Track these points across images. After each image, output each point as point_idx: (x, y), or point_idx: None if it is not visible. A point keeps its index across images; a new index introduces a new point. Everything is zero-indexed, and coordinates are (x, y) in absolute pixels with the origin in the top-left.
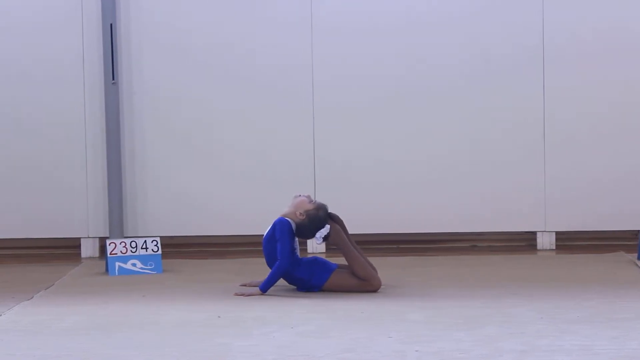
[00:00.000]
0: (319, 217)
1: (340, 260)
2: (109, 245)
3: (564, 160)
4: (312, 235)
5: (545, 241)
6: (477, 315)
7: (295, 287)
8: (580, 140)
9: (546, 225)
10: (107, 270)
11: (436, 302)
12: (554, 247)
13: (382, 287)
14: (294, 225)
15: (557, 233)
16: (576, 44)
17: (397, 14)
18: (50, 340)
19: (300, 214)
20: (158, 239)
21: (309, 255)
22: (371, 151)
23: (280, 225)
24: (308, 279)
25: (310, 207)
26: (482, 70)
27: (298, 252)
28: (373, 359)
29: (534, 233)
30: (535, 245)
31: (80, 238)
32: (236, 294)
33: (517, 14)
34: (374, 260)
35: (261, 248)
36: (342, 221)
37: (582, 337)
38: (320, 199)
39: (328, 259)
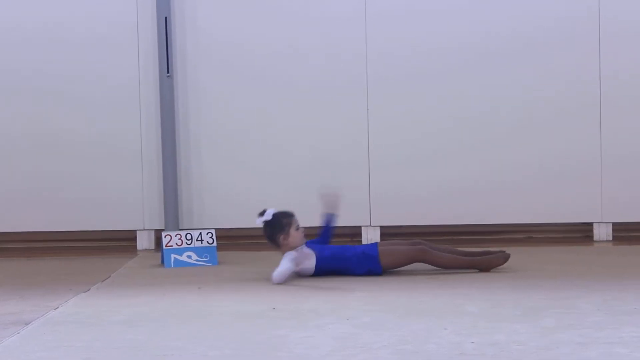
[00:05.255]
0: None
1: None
2: (165, 237)
3: (620, 149)
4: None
5: (602, 232)
6: (534, 306)
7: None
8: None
9: (603, 217)
10: (162, 262)
11: (493, 293)
12: (611, 239)
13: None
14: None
15: (614, 224)
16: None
17: None
18: (107, 332)
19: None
20: (213, 231)
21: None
22: (425, 141)
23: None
24: (357, 266)
25: (295, 236)
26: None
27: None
28: (430, 350)
29: (590, 224)
30: (592, 237)
31: (136, 230)
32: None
33: None
34: None
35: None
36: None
37: None
38: (374, 194)
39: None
